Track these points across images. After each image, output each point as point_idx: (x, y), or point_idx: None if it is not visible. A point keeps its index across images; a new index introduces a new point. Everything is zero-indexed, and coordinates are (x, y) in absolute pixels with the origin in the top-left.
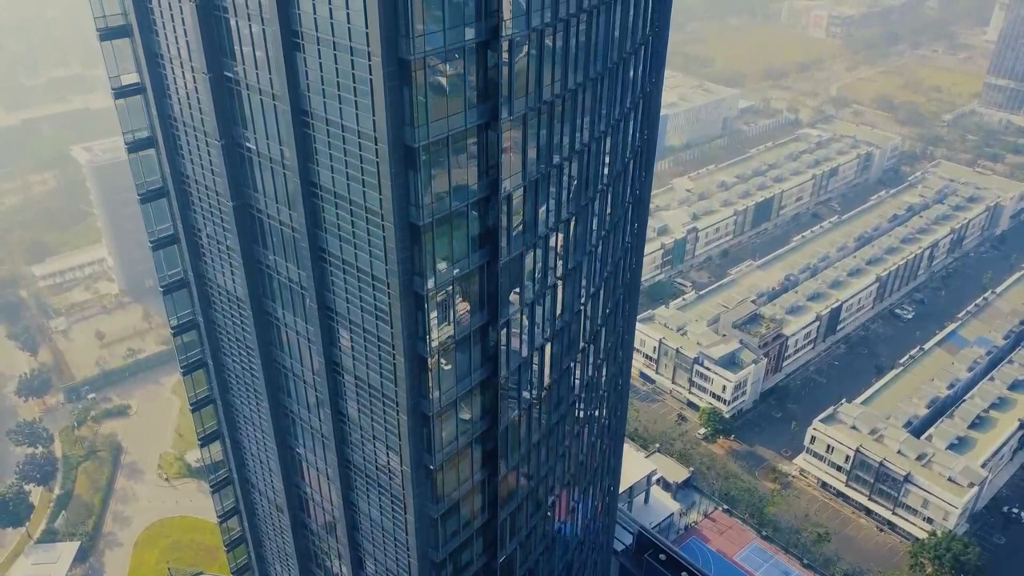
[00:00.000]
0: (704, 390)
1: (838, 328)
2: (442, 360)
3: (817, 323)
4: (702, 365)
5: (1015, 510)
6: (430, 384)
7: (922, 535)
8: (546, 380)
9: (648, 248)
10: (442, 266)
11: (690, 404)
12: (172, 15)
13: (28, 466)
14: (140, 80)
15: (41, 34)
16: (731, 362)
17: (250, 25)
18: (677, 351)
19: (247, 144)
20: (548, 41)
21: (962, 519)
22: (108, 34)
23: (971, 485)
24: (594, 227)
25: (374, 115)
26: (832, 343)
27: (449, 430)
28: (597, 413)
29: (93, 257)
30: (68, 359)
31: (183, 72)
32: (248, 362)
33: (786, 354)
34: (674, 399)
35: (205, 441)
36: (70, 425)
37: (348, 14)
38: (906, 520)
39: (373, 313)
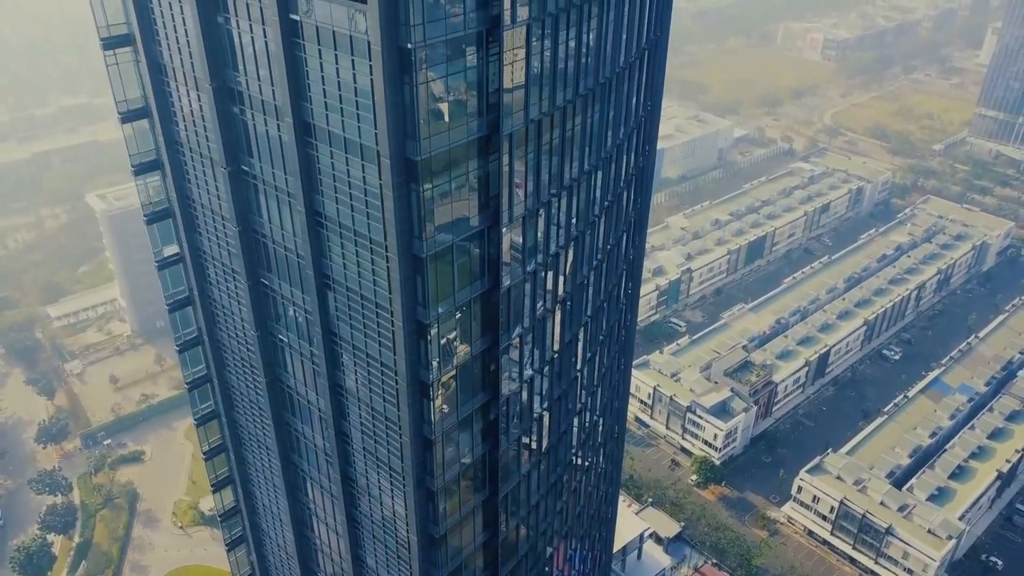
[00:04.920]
0: (696, 436)
1: (826, 371)
2: (443, 386)
3: (806, 368)
4: (695, 413)
5: (993, 558)
6: (432, 409)
7: None
8: (546, 402)
9: (644, 289)
10: (444, 295)
11: (683, 450)
12: (175, 25)
13: (50, 516)
14: (145, 101)
15: (48, 60)
16: (722, 410)
17: (251, 25)
18: (671, 399)
19: (252, 172)
20: (548, 53)
21: (941, 570)
22: (111, 43)
23: (949, 538)
24: (593, 249)
25: (376, 128)
26: (820, 386)
27: (450, 453)
28: (596, 437)
29: (106, 297)
30: (84, 403)
31: (187, 90)
32: (252, 380)
33: (776, 399)
34: (668, 444)
35: (210, 455)
36: (87, 472)
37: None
38: (888, 570)
39: (376, 339)
